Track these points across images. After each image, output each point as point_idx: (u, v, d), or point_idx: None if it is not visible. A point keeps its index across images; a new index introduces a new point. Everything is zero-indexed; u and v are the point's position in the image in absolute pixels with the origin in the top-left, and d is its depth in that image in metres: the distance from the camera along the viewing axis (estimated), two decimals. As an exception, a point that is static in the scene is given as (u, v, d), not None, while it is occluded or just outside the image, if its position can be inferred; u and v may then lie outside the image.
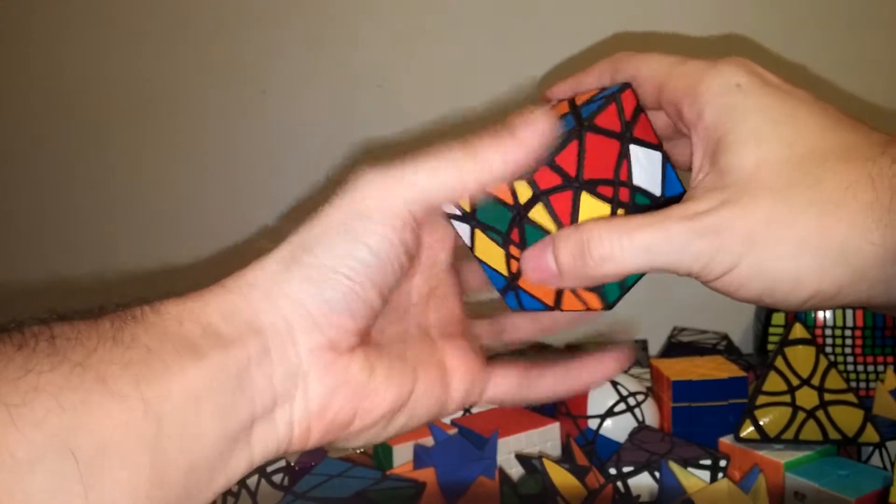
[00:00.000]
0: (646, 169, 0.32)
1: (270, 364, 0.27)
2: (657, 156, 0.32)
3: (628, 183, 0.31)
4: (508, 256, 0.32)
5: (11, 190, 1.00)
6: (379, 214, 0.28)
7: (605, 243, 0.28)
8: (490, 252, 0.32)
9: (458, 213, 0.33)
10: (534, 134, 0.28)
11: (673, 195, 0.33)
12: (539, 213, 0.30)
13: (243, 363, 0.26)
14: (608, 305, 0.31)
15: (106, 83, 0.95)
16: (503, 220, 0.31)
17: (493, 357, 0.34)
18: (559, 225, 0.30)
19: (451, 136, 0.30)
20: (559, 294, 0.32)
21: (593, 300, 0.31)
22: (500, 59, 0.87)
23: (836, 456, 0.56)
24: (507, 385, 0.33)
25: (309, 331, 0.27)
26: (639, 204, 0.32)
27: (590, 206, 0.30)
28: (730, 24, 0.82)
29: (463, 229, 0.33)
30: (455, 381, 0.32)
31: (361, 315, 0.28)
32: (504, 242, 0.32)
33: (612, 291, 0.31)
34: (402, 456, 0.55)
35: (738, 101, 0.28)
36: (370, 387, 0.29)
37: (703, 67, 0.29)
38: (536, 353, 0.73)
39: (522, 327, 0.36)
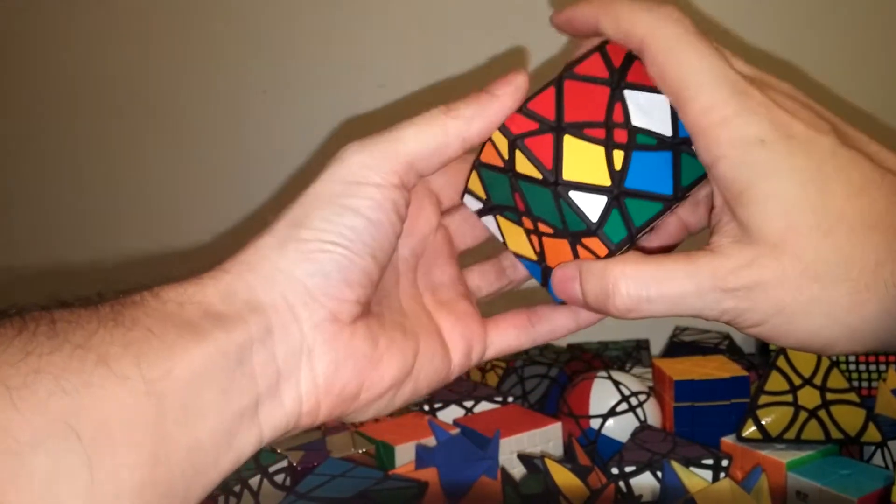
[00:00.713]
0: (647, 111, 0.30)
1: (273, 342, 0.27)
2: (660, 98, 0.30)
3: (625, 124, 0.30)
4: (528, 233, 0.31)
5: (12, 177, 1.00)
6: (368, 180, 0.28)
7: (631, 294, 0.28)
8: (517, 238, 0.31)
9: (480, 204, 0.32)
10: (510, 89, 0.29)
11: (688, 136, 0.30)
12: (522, 163, 0.29)
13: (245, 342, 0.26)
14: None
15: (107, 81, 0.95)
16: (505, 189, 0.31)
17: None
18: (543, 170, 0.29)
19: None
20: (575, 254, 0.31)
21: None
22: (503, 59, 0.87)
23: (839, 455, 0.56)
24: (508, 338, 0.33)
25: (309, 305, 0.27)
26: (641, 143, 0.30)
27: (576, 148, 0.29)
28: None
29: (491, 223, 0.33)
30: (454, 345, 0.32)
31: (359, 283, 0.28)
32: (517, 216, 0.31)
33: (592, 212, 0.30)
34: (404, 456, 0.55)
35: (760, 159, 0.27)
36: (374, 357, 0.29)
37: (725, 111, 0.27)
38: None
39: (522, 269, 0.36)
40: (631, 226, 0.29)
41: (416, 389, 0.31)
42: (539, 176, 0.29)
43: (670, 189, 0.30)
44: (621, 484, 0.53)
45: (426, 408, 0.62)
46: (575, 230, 0.29)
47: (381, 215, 0.28)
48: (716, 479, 0.52)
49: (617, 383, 0.61)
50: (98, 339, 0.24)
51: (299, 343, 0.27)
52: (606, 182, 0.29)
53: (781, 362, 0.58)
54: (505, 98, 0.29)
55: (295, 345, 0.27)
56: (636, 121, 0.30)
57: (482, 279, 0.36)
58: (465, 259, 0.36)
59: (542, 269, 0.32)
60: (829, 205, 0.26)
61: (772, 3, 0.82)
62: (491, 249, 0.36)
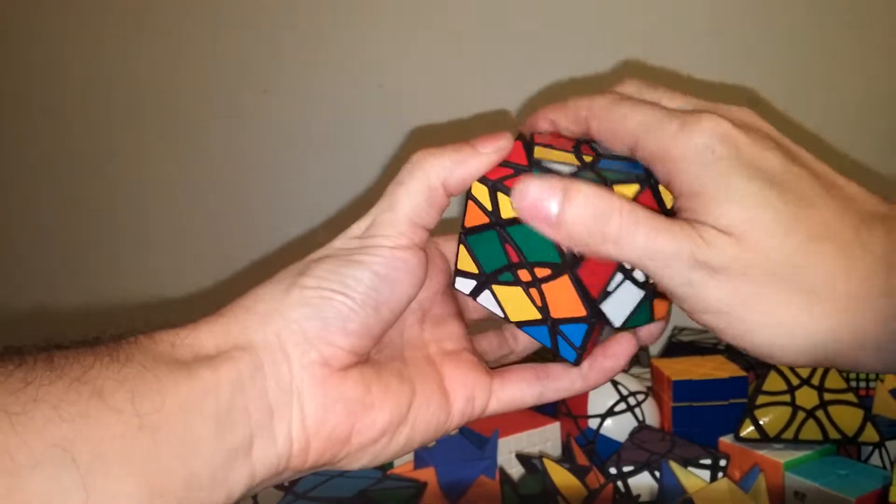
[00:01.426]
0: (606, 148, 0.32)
1: (263, 378, 0.27)
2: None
3: (592, 164, 0.31)
4: (526, 288, 0.31)
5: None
6: (378, 242, 0.29)
7: (623, 227, 0.27)
8: (517, 303, 0.32)
9: (472, 282, 0.33)
10: (492, 149, 0.30)
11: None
12: (506, 206, 0.30)
13: (234, 378, 0.26)
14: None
15: (106, 84, 0.95)
16: (496, 247, 0.31)
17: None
18: None
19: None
20: (585, 297, 0.31)
21: None
22: (500, 60, 0.87)
23: (836, 455, 0.56)
24: (514, 391, 0.33)
25: (300, 346, 0.28)
26: (607, 156, 0.31)
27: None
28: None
29: (488, 300, 0.33)
30: (454, 392, 0.32)
31: (356, 333, 0.28)
32: (513, 274, 0.31)
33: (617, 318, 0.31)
34: (403, 456, 0.55)
35: (713, 163, 0.27)
36: (366, 403, 0.29)
37: (673, 131, 0.28)
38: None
39: (522, 338, 0.36)
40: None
41: (412, 437, 0.31)
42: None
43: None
44: (619, 484, 0.53)
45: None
46: (573, 256, 0.30)
47: (390, 272, 0.29)
48: (714, 478, 0.52)
49: (615, 383, 0.62)
50: (94, 373, 0.24)
51: (289, 381, 0.28)
52: None
53: (779, 362, 0.58)
54: (487, 157, 0.30)
55: (285, 383, 0.27)
56: (601, 150, 0.32)
57: (487, 345, 0.36)
58: (472, 329, 0.37)
59: (548, 328, 0.32)
60: (787, 209, 0.27)
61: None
62: (494, 323, 0.36)
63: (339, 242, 0.30)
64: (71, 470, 0.22)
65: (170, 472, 0.24)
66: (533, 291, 0.31)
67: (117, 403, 0.24)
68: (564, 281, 0.30)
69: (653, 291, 0.31)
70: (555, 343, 0.32)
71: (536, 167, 0.31)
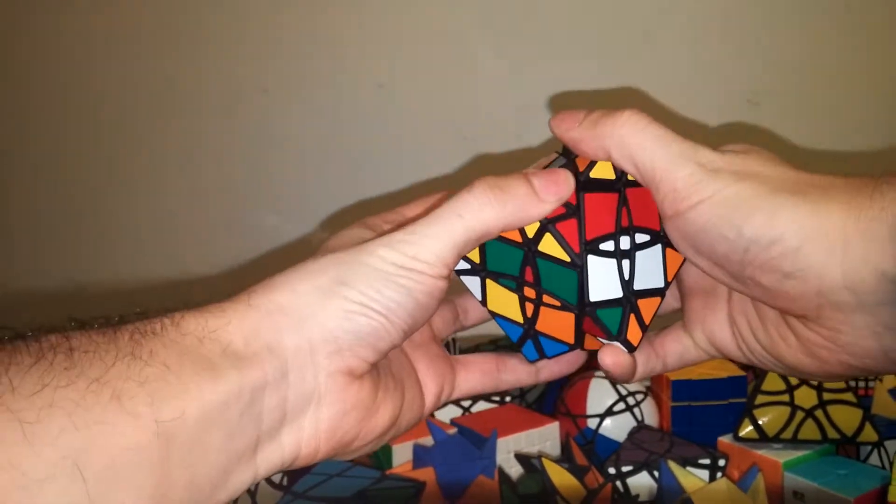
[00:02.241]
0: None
1: (287, 386, 0.27)
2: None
3: (629, 228, 0.33)
4: (523, 300, 0.32)
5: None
6: (424, 269, 0.29)
7: (631, 120, 0.30)
8: (503, 301, 0.33)
9: (467, 266, 0.33)
10: (555, 199, 0.31)
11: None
12: (549, 244, 0.31)
13: (259, 385, 0.26)
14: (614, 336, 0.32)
15: (107, 84, 0.95)
16: (514, 261, 0.32)
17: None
18: (571, 254, 0.31)
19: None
20: (579, 334, 0.33)
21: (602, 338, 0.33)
22: (500, 60, 0.87)
23: (835, 455, 0.56)
24: (474, 381, 0.35)
25: (331, 356, 0.28)
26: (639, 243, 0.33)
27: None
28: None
29: (473, 283, 0.34)
30: (427, 388, 0.33)
31: (383, 350, 0.29)
32: (518, 285, 0.32)
33: (613, 324, 0.32)
34: (402, 455, 0.55)
35: (707, 173, 0.30)
36: (374, 408, 0.30)
37: (677, 171, 0.30)
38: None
39: (472, 311, 0.38)
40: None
41: (396, 434, 0.32)
42: (567, 259, 0.31)
43: (662, 282, 0.33)
44: (618, 483, 0.53)
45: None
46: (587, 304, 0.32)
47: (428, 300, 0.29)
48: (712, 478, 0.53)
49: (614, 383, 0.62)
50: (114, 372, 0.24)
51: (311, 389, 0.28)
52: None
53: (778, 362, 0.58)
54: (550, 206, 0.31)
55: (307, 391, 0.28)
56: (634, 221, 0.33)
57: (441, 323, 0.37)
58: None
59: (523, 331, 0.33)
60: (784, 181, 0.29)
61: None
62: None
63: (383, 251, 0.29)
64: (80, 484, 0.22)
65: (175, 479, 0.24)
66: (529, 305, 0.32)
67: (136, 408, 0.23)
68: (567, 316, 0.32)
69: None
70: (522, 343, 0.33)
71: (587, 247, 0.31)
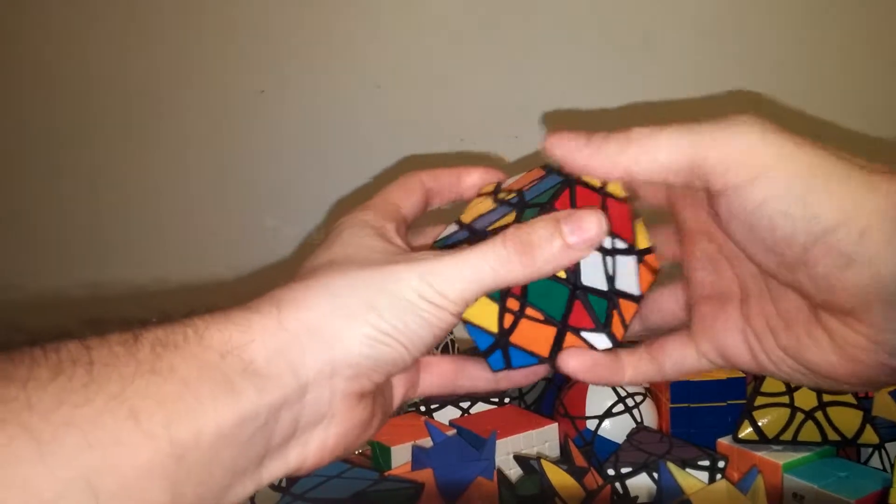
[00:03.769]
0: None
1: (302, 406, 0.27)
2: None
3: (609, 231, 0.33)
4: (503, 311, 0.32)
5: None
6: (447, 307, 0.29)
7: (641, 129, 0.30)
8: (480, 310, 0.32)
9: None
10: (585, 247, 0.30)
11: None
12: None
13: (277, 405, 0.26)
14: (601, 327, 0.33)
15: (106, 83, 0.95)
16: None
17: None
18: (568, 273, 0.31)
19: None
20: (556, 348, 0.33)
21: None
22: (498, 61, 0.87)
23: (836, 457, 0.56)
24: (431, 385, 0.35)
25: (349, 380, 0.28)
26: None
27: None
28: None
29: None
30: (397, 393, 0.33)
31: (394, 374, 0.30)
32: (502, 296, 0.32)
33: (601, 313, 0.33)
34: (401, 457, 0.55)
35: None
36: (371, 422, 0.30)
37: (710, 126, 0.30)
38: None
39: None
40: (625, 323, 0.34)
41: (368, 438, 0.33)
42: (563, 275, 0.31)
43: (637, 291, 0.34)
44: (617, 485, 0.53)
45: (422, 408, 0.62)
46: (567, 324, 0.32)
47: (443, 334, 0.30)
48: (712, 480, 0.52)
49: (613, 385, 0.61)
50: (133, 389, 0.24)
51: (325, 409, 0.28)
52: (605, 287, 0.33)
53: (778, 363, 0.58)
54: (580, 254, 0.30)
55: (321, 411, 0.28)
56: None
57: None
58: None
59: (493, 341, 0.33)
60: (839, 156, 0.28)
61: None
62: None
63: (415, 282, 0.28)
64: (92, 503, 0.22)
65: (186, 496, 0.24)
66: (508, 317, 0.32)
67: (153, 428, 0.23)
68: (548, 329, 0.32)
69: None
70: (490, 353, 0.33)
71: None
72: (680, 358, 0.34)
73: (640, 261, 0.34)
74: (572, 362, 0.32)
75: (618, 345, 0.33)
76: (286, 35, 0.90)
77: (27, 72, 0.96)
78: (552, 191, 0.32)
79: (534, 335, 0.33)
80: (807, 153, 0.27)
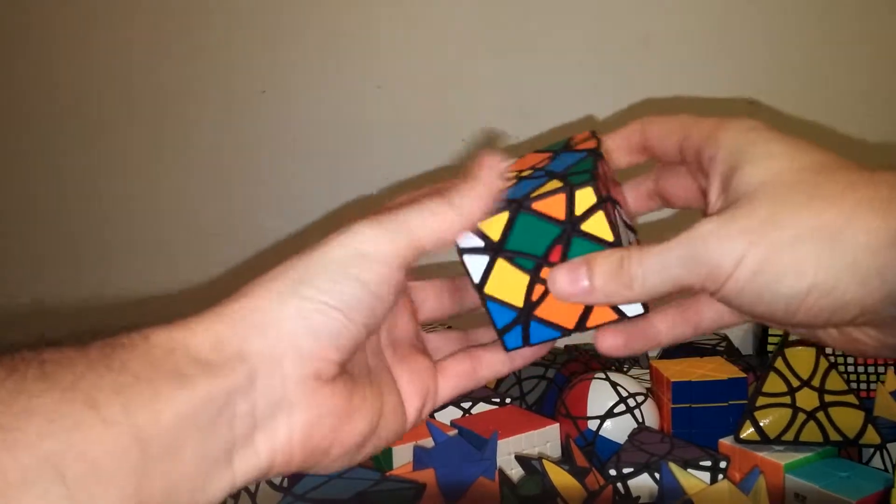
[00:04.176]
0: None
1: (255, 392, 0.27)
2: None
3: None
4: (534, 282, 0.32)
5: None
6: (378, 258, 0.29)
7: (633, 264, 0.30)
8: (507, 283, 0.32)
9: (480, 244, 0.32)
10: (493, 174, 0.31)
11: None
12: (597, 224, 0.31)
13: (230, 390, 0.26)
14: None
15: (106, 84, 0.95)
16: (544, 239, 0.31)
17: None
18: (616, 231, 0.31)
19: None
20: (584, 317, 0.32)
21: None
22: (499, 62, 0.87)
23: (837, 457, 0.56)
24: (453, 385, 0.35)
25: (297, 361, 0.28)
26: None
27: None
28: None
29: (477, 262, 0.33)
30: (409, 401, 0.33)
31: (347, 348, 0.29)
32: (536, 266, 0.32)
33: None
34: (402, 457, 0.55)
35: (751, 137, 0.31)
36: (348, 413, 0.29)
37: (719, 120, 0.32)
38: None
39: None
40: None
41: (377, 445, 0.32)
42: (610, 238, 0.31)
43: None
44: (619, 485, 0.53)
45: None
46: None
47: (383, 290, 0.29)
48: (714, 480, 0.52)
49: (615, 384, 0.61)
50: (87, 382, 0.24)
51: (280, 396, 0.28)
52: None
53: (779, 364, 0.58)
54: (487, 180, 0.31)
55: (276, 397, 0.27)
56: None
57: (439, 305, 0.37)
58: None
59: (515, 316, 0.33)
60: (805, 155, 0.30)
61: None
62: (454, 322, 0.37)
63: (338, 251, 0.29)
64: (60, 487, 0.22)
65: (154, 484, 0.24)
66: (538, 288, 0.32)
67: (111, 415, 0.24)
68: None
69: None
70: (509, 329, 0.33)
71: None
72: (716, 316, 0.34)
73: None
74: (606, 344, 0.33)
75: (647, 310, 0.32)
76: (288, 36, 0.90)
77: (27, 71, 0.96)
78: (587, 162, 0.32)
79: (562, 306, 0.32)
80: (756, 245, 0.28)
